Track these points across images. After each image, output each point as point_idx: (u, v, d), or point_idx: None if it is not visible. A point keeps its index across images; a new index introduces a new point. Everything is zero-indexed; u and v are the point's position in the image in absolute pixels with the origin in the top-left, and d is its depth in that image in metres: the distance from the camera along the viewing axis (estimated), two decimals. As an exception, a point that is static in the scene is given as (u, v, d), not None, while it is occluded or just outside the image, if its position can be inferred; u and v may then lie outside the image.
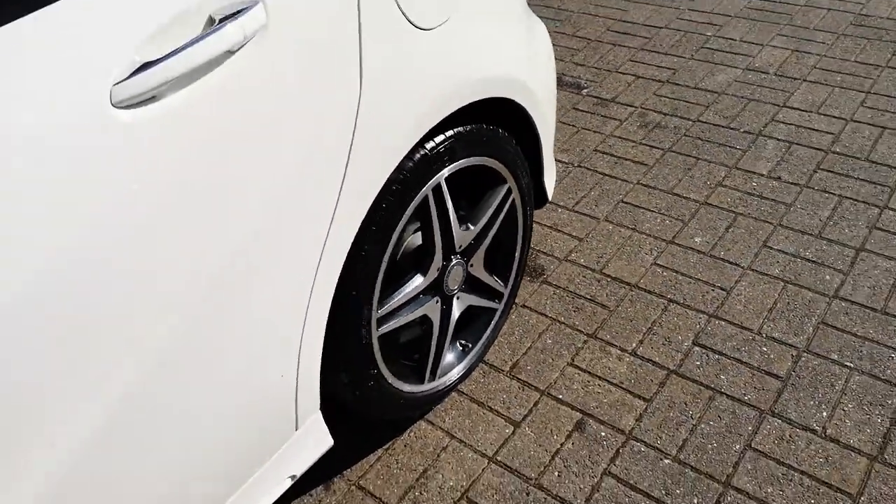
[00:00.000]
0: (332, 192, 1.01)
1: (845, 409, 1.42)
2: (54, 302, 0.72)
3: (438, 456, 1.42)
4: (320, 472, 1.41)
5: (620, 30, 2.90)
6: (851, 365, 1.50)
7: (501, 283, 1.54)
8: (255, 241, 0.91)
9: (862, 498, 1.27)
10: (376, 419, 1.48)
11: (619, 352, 1.58)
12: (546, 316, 1.69)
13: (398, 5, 1.03)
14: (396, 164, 1.11)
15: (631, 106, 2.41)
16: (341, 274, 1.08)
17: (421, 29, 1.08)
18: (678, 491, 1.31)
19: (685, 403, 1.46)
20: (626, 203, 2.00)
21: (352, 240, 1.08)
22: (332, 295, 1.09)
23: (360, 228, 1.09)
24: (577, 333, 1.63)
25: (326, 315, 1.10)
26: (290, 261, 0.99)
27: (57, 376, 0.75)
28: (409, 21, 1.06)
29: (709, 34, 2.79)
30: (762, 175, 2.05)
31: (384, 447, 1.45)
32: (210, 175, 0.84)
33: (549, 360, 1.58)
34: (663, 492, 1.31)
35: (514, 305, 1.70)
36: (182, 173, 0.80)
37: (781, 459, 1.34)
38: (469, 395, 1.53)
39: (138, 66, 0.74)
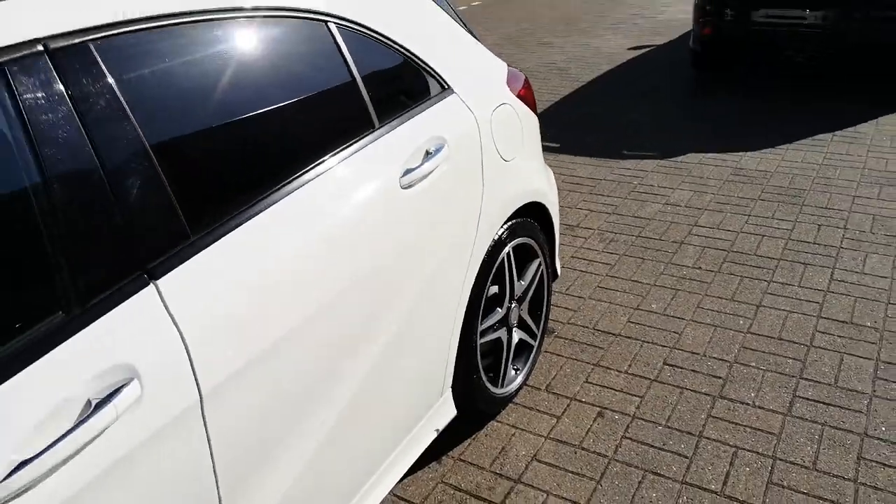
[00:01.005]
0: (469, 253, 1.82)
1: (764, 390, 2.23)
2: (339, 312, 1.45)
3: (510, 439, 2.11)
4: (432, 453, 2.06)
5: (572, 181, 3.95)
6: (763, 368, 2.33)
7: (535, 326, 2.33)
8: (434, 280, 1.69)
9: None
10: (472, 410, 2.14)
11: (616, 371, 2.36)
12: (562, 356, 2.46)
13: (496, 149, 1.93)
14: (495, 236, 1.95)
15: (590, 229, 3.37)
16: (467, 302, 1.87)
17: (505, 161, 1.98)
18: (671, 443, 2.05)
19: (665, 396, 2.23)
20: (602, 287, 2.87)
21: (473, 282, 1.88)
22: (464, 313, 1.86)
23: (476, 275, 1.89)
24: (586, 364, 2.41)
25: (461, 325, 1.86)
26: (450, 292, 1.77)
27: (337, 354, 1.44)
28: (501, 157, 1.95)
29: (636, 182, 3.87)
30: (689, 267, 2.98)
31: (472, 437, 2.13)
32: (423, 240, 1.64)
33: (571, 380, 2.34)
34: (661, 444, 2.04)
35: (540, 351, 2.47)
36: (407, 239, 1.61)
37: (731, 420, 2.11)
38: (522, 404, 2.25)
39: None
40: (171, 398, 1.08)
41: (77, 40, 1.06)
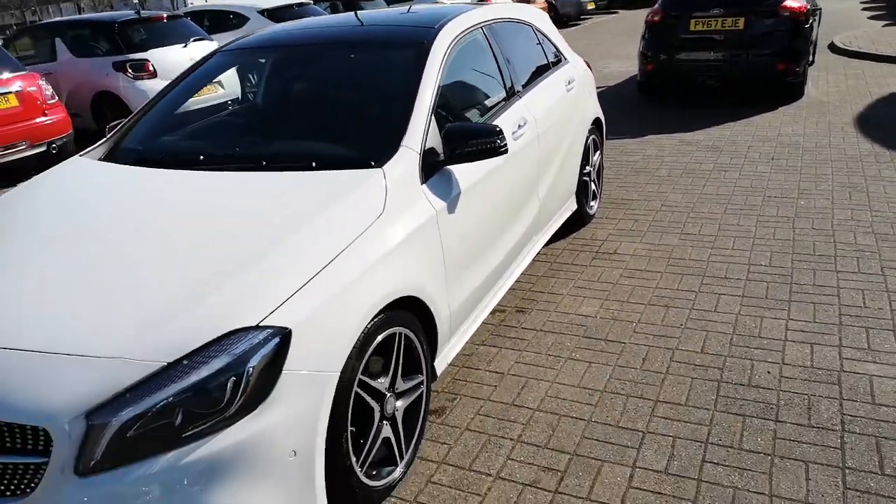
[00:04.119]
0: (584, 123, 4.15)
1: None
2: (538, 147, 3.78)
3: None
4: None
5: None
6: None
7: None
8: (576, 131, 4.02)
9: (721, 216, 4.41)
10: (580, 214, 4.37)
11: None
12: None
13: (585, 85, 4.31)
14: (591, 119, 4.30)
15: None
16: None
17: (588, 91, 4.37)
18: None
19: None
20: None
21: (585, 136, 4.18)
22: (581, 153, 4.15)
23: (585, 136, 4.20)
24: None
25: (580, 161, 4.15)
26: (578, 141, 4.07)
27: (543, 161, 3.77)
28: (587, 89, 4.34)
29: (619, 149, 6.29)
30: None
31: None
32: (574, 112, 3.99)
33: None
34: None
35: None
36: (568, 111, 3.95)
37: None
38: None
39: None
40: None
41: (482, 22, 3.35)
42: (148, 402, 1.65)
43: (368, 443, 2.15)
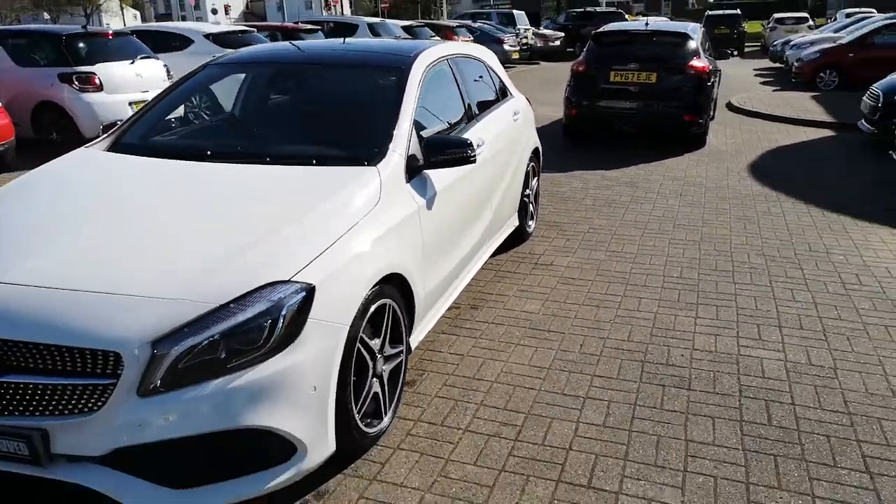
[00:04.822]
0: (526, 148, 4.74)
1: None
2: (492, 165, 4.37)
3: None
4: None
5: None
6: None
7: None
8: (520, 156, 4.60)
9: (640, 238, 5.07)
10: (520, 228, 4.92)
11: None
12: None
13: (526, 114, 4.92)
14: (532, 146, 4.89)
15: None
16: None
17: (529, 119, 4.97)
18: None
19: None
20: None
21: (526, 162, 4.76)
22: (523, 177, 4.73)
23: (527, 161, 4.78)
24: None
25: (523, 181, 4.71)
26: (522, 163, 4.65)
27: (495, 179, 4.34)
28: (528, 118, 4.95)
29: (550, 181, 6.96)
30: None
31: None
32: (519, 137, 4.57)
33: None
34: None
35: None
36: (515, 136, 4.54)
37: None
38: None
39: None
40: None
41: (447, 55, 3.89)
42: (201, 335, 2.00)
43: (363, 394, 2.54)
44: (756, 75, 18.78)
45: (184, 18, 64.01)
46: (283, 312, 2.10)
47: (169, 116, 3.53)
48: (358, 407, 2.50)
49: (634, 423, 2.79)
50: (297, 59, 3.59)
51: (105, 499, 2.07)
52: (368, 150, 2.91)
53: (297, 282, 2.18)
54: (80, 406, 1.97)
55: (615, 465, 2.54)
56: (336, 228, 2.44)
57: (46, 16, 59.16)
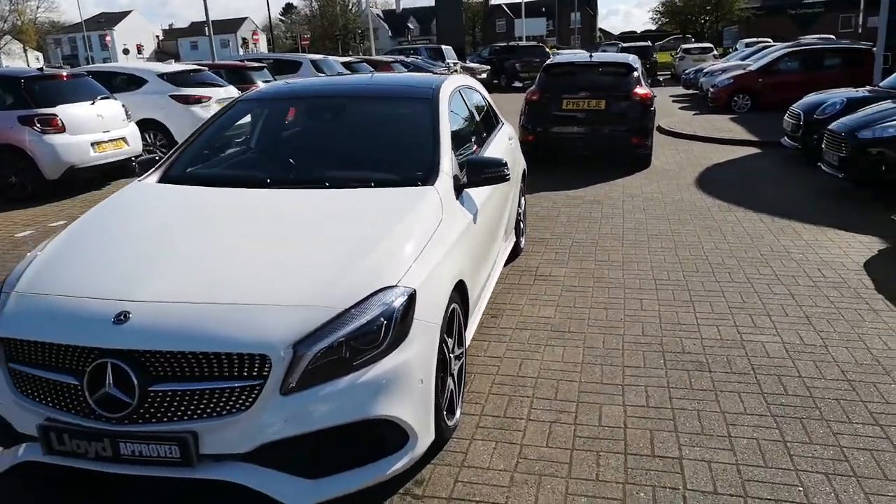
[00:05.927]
0: (519, 165, 5.11)
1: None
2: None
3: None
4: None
5: (489, 203, 7.35)
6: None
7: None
8: (515, 170, 4.97)
9: (622, 248, 5.52)
10: (516, 247, 5.26)
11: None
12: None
13: (516, 139, 5.31)
14: (522, 165, 5.26)
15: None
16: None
17: (516, 145, 5.36)
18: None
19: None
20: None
21: (519, 182, 5.13)
22: (517, 191, 5.09)
23: (519, 181, 5.15)
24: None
25: (518, 195, 5.08)
26: (516, 179, 5.02)
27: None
28: (516, 143, 5.34)
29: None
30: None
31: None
32: (515, 157, 4.95)
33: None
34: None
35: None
36: (512, 156, 4.92)
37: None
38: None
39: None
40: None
41: (459, 86, 4.24)
42: (331, 337, 2.22)
43: (445, 390, 2.78)
44: (674, 101, 20.09)
45: (91, 60, 62.09)
46: (396, 314, 2.35)
47: (205, 150, 3.71)
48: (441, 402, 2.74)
49: (673, 402, 3.14)
50: (334, 92, 3.85)
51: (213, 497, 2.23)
52: (421, 172, 3.20)
53: (402, 286, 2.43)
54: (228, 407, 2.13)
55: (669, 437, 2.88)
56: (419, 241, 2.70)
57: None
